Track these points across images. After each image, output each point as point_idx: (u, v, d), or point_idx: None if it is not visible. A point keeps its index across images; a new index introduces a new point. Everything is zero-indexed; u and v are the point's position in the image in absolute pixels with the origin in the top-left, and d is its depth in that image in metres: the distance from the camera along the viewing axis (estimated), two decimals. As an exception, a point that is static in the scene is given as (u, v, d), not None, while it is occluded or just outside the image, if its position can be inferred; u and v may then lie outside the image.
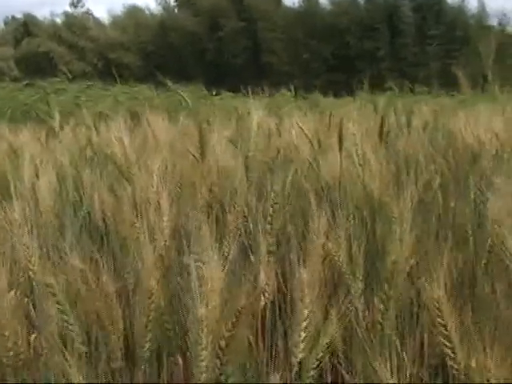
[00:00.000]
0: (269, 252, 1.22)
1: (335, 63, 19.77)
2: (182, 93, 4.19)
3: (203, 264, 0.91)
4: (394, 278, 0.99)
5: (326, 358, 1.21)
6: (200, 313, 0.79)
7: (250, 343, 0.99)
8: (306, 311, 0.85)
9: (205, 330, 0.79)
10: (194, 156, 1.47)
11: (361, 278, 1.16)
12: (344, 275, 1.16)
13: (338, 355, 1.19)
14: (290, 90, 6.59)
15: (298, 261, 0.91)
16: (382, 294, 0.99)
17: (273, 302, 1.26)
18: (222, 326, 0.81)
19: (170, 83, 4.71)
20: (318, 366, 0.86)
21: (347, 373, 1.15)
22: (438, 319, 0.81)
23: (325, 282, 1.21)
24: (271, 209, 1.21)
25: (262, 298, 1.14)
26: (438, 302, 0.81)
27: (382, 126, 1.81)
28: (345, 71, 18.11)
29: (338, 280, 1.29)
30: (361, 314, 1.13)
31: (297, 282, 0.87)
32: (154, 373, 1.08)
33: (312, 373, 0.85)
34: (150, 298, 0.94)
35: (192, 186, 1.43)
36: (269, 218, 1.21)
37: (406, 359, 1.19)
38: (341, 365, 1.19)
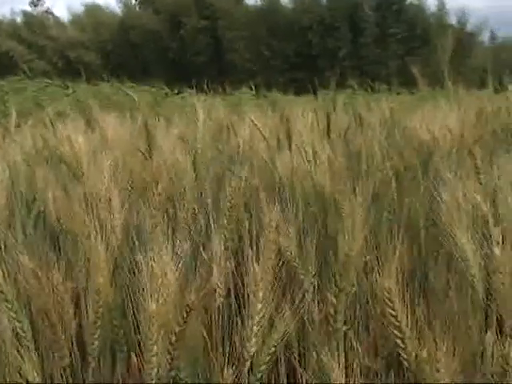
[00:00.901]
0: (225, 248, 1.23)
1: (297, 61, 19.83)
2: (127, 90, 4.17)
3: (154, 260, 0.91)
4: (346, 271, 1.00)
5: (281, 353, 1.23)
6: (150, 308, 0.79)
7: (203, 338, 0.99)
8: (258, 305, 0.85)
9: (155, 325, 0.79)
10: (142, 153, 1.47)
11: (313, 272, 1.17)
12: (296, 270, 1.16)
13: (292, 349, 1.20)
14: (251, 88, 6.59)
15: (253, 256, 0.91)
16: (333, 287, 1.00)
17: (228, 297, 1.27)
18: (172, 321, 0.81)
19: (114, 81, 4.68)
20: (270, 360, 0.87)
21: (301, 367, 1.16)
22: (389, 310, 0.82)
23: (279, 276, 1.22)
24: (228, 204, 1.21)
25: (217, 293, 1.15)
26: (388, 293, 0.82)
27: (328, 123, 1.83)
28: (307, 69, 18.18)
29: (292, 275, 1.30)
30: (313, 308, 1.13)
31: (249, 276, 0.87)
32: (107, 370, 1.08)
33: (264, 367, 0.86)
34: (98, 295, 0.94)
35: (142, 183, 1.43)
36: (226, 213, 1.21)
37: (357, 351, 1.21)
38: (295, 359, 1.20)
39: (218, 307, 1.12)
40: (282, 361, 1.28)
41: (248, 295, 0.87)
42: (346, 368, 0.84)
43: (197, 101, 1.70)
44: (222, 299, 1.12)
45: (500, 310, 0.82)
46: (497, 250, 0.86)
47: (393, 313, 0.81)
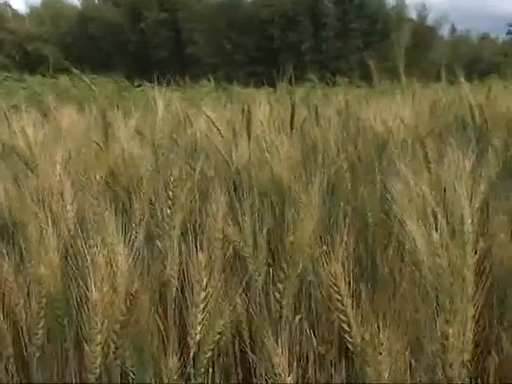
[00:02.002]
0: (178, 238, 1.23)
1: (258, 55, 19.85)
2: (86, 79, 4.13)
3: (106, 250, 0.92)
4: (291, 259, 1.01)
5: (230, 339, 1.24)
6: (93, 297, 0.79)
7: (152, 326, 0.99)
8: (202, 293, 0.86)
9: (99, 314, 0.79)
10: (98, 145, 1.46)
11: (264, 261, 1.18)
12: (245, 258, 1.17)
13: (243, 336, 1.21)
14: (210, 81, 6.58)
15: (196, 244, 0.91)
16: (280, 273, 1.01)
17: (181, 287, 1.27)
18: (117, 310, 0.81)
19: (76, 71, 4.64)
20: (215, 347, 0.87)
21: (252, 352, 1.17)
22: (335, 294, 0.83)
23: (230, 265, 1.23)
24: (171, 193, 1.22)
25: (170, 282, 1.15)
26: (334, 278, 0.83)
27: (292, 114, 1.84)
28: (268, 63, 18.20)
29: (242, 263, 1.31)
30: (261, 295, 1.14)
31: (194, 264, 0.88)
32: (50, 359, 1.08)
33: (209, 354, 0.87)
34: (41, 285, 0.94)
35: (97, 174, 1.43)
36: (169, 203, 1.21)
37: (302, 335, 1.22)
38: (246, 345, 1.21)
39: (171, 296, 1.12)
40: (236, 347, 1.29)
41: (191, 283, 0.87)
42: (295, 355, 0.85)
43: (156, 94, 1.69)
44: (174, 288, 1.13)
45: (439, 292, 0.83)
46: (435, 235, 0.88)
47: (338, 297, 0.83)
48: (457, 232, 0.92)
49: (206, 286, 0.86)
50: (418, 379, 0.82)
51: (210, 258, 0.90)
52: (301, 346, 1.31)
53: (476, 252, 0.88)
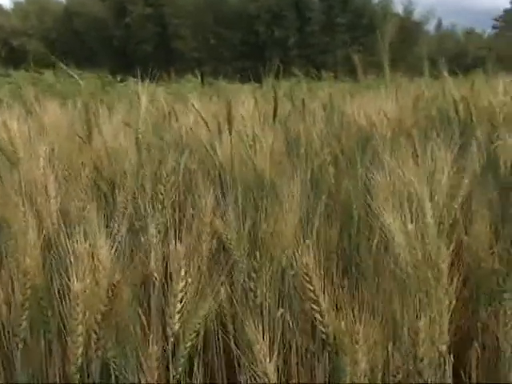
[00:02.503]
0: (158, 231, 1.24)
1: (244, 50, 19.84)
2: (72, 73, 4.12)
3: (87, 243, 0.92)
4: (266, 248, 1.03)
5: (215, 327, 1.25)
6: (75, 288, 0.80)
7: (134, 317, 1.00)
8: (181, 283, 0.86)
9: (80, 305, 0.80)
10: (81, 138, 1.46)
11: (246, 253, 1.19)
12: (230, 250, 1.18)
13: (226, 326, 1.22)
14: (197, 76, 6.58)
15: (176, 236, 0.92)
16: (254, 263, 1.02)
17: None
18: (98, 301, 0.82)
19: (63, 66, 4.62)
20: (196, 337, 0.88)
21: (234, 341, 1.18)
22: (307, 285, 0.84)
23: (212, 256, 1.24)
24: (162, 188, 1.22)
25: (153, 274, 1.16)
26: (306, 268, 0.84)
27: (275, 108, 1.85)
28: (254, 58, 18.20)
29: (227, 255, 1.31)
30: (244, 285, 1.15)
31: (173, 255, 0.89)
32: (33, 352, 1.08)
33: (190, 344, 0.87)
34: (25, 277, 0.94)
35: (80, 168, 1.43)
36: (160, 197, 1.22)
37: (293, 332, 1.24)
38: (229, 336, 1.22)
39: (153, 287, 1.13)
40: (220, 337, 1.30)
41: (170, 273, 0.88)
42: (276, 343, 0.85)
43: (139, 88, 1.70)
44: (157, 280, 1.13)
45: (415, 284, 0.85)
46: (411, 226, 0.89)
47: (310, 287, 0.84)
48: (432, 224, 0.93)
49: (185, 275, 0.86)
50: (395, 369, 0.83)
51: (191, 248, 0.91)
52: (283, 337, 1.33)
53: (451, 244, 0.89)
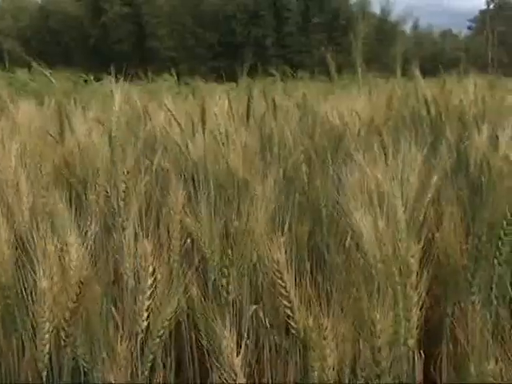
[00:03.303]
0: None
1: (221, 50, 19.84)
2: (45, 72, 4.10)
3: (57, 241, 0.92)
4: (236, 245, 1.03)
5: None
6: (42, 285, 0.80)
7: (101, 314, 0.99)
8: (149, 281, 0.87)
9: (47, 302, 0.80)
10: (53, 137, 1.46)
11: (218, 250, 1.19)
12: (202, 248, 1.19)
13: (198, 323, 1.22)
14: (172, 75, 6.56)
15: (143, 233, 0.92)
16: (225, 260, 1.03)
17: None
18: (65, 297, 0.82)
19: (35, 65, 4.60)
20: (164, 334, 0.88)
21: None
22: (278, 281, 0.85)
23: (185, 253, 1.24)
24: (123, 185, 1.23)
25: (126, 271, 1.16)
26: (277, 265, 0.85)
27: (248, 107, 1.86)
28: (231, 58, 18.19)
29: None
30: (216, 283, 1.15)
31: (140, 251, 0.89)
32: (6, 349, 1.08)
33: (158, 340, 0.88)
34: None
35: (52, 166, 1.43)
36: (122, 195, 1.22)
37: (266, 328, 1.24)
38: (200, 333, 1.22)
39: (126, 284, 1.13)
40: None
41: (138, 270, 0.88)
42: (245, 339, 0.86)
43: (115, 87, 1.69)
44: (129, 277, 1.14)
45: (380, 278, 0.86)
46: (381, 223, 0.90)
47: (281, 283, 0.84)
48: (402, 221, 0.94)
49: (153, 273, 0.87)
50: (363, 364, 0.84)
51: (160, 246, 0.91)
52: (256, 333, 1.33)
53: (421, 241, 0.90)
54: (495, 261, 0.95)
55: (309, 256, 1.55)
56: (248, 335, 1.38)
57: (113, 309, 1.08)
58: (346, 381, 0.87)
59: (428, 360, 1.36)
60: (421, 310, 0.87)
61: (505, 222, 0.96)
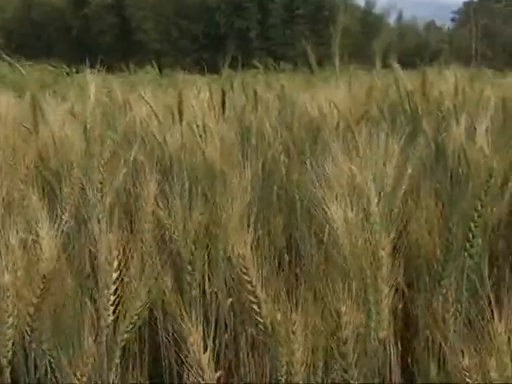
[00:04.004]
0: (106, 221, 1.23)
1: (205, 42, 19.79)
2: (16, 64, 4.07)
3: (24, 234, 0.91)
4: (200, 239, 1.03)
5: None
6: (4, 280, 0.79)
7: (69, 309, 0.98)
8: (114, 274, 0.85)
9: (10, 297, 0.79)
10: (27, 129, 1.44)
11: (192, 243, 1.18)
12: (175, 241, 1.18)
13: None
14: (154, 67, 6.54)
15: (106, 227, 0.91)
16: (188, 255, 1.02)
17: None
18: (29, 292, 0.81)
19: (6, 57, 4.56)
20: (132, 328, 0.87)
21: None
22: (244, 276, 0.84)
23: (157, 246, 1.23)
24: (100, 176, 1.21)
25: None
26: (243, 260, 0.84)
27: (223, 99, 1.85)
28: (215, 50, 18.15)
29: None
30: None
31: (102, 245, 0.87)
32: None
33: (126, 336, 0.86)
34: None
35: (24, 158, 1.41)
36: (98, 186, 1.21)
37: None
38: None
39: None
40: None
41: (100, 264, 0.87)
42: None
43: (90, 78, 1.68)
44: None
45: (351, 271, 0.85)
46: (351, 215, 0.89)
47: (247, 278, 0.83)
48: (374, 213, 0.93)
49: (118, 267, 0.85)
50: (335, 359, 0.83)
51: (130, 239, 0.90)
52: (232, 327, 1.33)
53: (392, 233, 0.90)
54: (465, 253, 0.95)
55: (288, 249, 1.55)
56: (226, 329, 1.37)
57: (88, 302, 1.07)
58: (319, 375, 0.87)
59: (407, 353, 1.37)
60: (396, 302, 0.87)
61: (476, 215, 0.95)
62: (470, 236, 0.95)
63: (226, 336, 1.38)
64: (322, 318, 0.82)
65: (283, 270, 1.39)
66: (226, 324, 1.36)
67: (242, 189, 1.31)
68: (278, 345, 0.78)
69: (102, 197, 1.28)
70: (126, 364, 1.10)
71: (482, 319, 0.76)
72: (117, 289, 0.85)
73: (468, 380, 0.69)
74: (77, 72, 5.71)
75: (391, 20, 29.50)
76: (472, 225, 0.95)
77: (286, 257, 1.48)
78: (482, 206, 0.95)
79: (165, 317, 1.20)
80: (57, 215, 1.22)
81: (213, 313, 1.29)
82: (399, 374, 1.33)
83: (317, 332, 0.81)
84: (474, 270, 0.95)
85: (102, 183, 1.24)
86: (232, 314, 1.39)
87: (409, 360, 1.36)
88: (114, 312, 0.85)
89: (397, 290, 1.35)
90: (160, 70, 6.74)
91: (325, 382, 0.87)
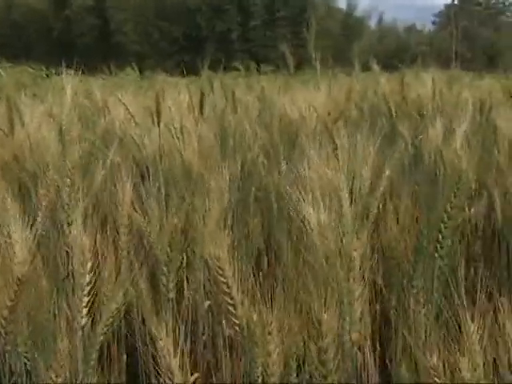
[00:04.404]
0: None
1: (186, 44, 19.75)
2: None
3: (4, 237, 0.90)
4: (176, 241, 1.03)
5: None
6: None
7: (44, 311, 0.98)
8: (87, 277, 0.85)
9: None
10: (2, 131, 1.43)
11: (167, 246, 1.18)
12: (151, 243, 1.17)
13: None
14: (134, 70, 6.52)
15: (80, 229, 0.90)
16: (164, 257, 1.02)
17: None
18: (3, 295, 0.80)
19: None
20: (108, 330, 0.87)
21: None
22: (220, 277, 0.84)
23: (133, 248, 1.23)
24: (68, 180, 1.21)
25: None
26: (218, 261, 0.84)
27: (201, 101, 1.85)
28: (196, 52, 18.12)
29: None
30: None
31: (76, 248, 0.87)
32: None
33: (102, 338, 0.86)
34: None
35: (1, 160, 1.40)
36: (67, 189, 1.21)
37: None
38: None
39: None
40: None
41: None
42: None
43: (66, 80, 1.67)
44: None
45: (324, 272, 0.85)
46: (324, 217, 0.90)
47: (223, 280, 0.84)
48: (347, 214, 0.94)
49: (92, 269, 0.85)
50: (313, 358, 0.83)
51: (105, 241, 0.89)
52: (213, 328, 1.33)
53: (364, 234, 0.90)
54: (436, 254, 0.95)
55: (266, 250, 1.55)
56: (204, 330, 1.37)
57: (64, 304, 1.06)
58: (294, 375, 0.87)
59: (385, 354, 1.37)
60: (371, 303, 0.87)
61: (445, 216, 0.96)
62: (440, 237, 0.96)
63: (204, 337, 1.38)
64: (298, 318, 0.82)
65: (261, 271, 1.39)
66: (203, 326, 1.36)
67: (219, 191, 1.31)
68: (255, 346, 0.78)
69: (76, 199, 1.27)
70: (102, 366, 1.10)
71: (456, 320, 0.77)
72: (90, 291, 0.84)
73: (436, 379, 0.69)
74: (57, 74, 5.68)
75: (372, 22, 29.61)
76: (442, 226, 0.95)
77: (264, 258, 1.49)
78: (451, 207, 0.96)
79: (142, 320, 1.20)
80: (31, 217, 1.21)
81: (190, 315, 1.30)
82: (376, 374, 1.34)
83: (293, 333, 0.81)
84: (445, 271, 0.96)
85: (74, 185, 1.23)
86: (210, 315, 1.39)
87: (386, 361, 1.36)
88: (88, 314, 0.85)
89: (375, 291, 1.36)
90: (141, 71, 6.72)
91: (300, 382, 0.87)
